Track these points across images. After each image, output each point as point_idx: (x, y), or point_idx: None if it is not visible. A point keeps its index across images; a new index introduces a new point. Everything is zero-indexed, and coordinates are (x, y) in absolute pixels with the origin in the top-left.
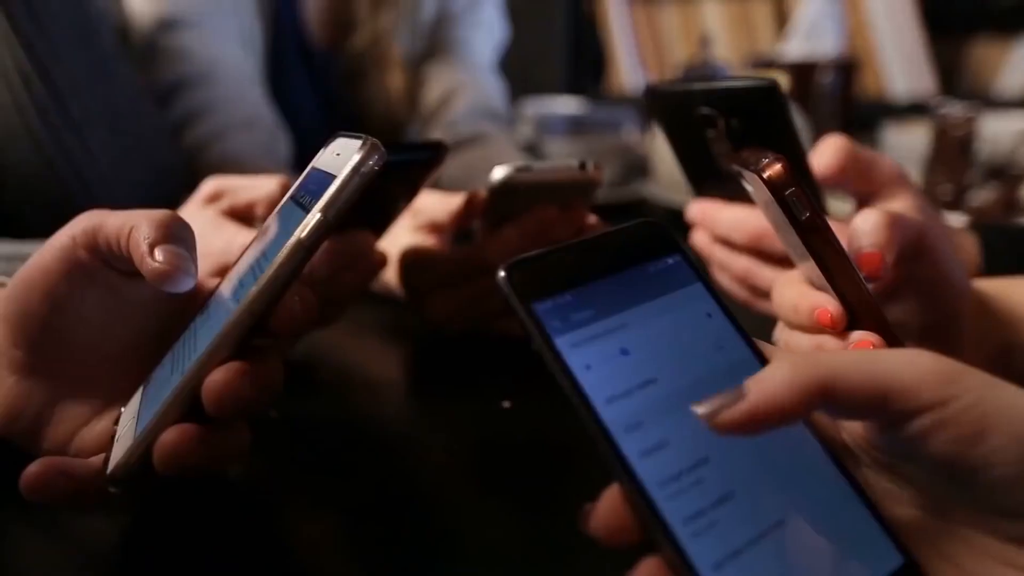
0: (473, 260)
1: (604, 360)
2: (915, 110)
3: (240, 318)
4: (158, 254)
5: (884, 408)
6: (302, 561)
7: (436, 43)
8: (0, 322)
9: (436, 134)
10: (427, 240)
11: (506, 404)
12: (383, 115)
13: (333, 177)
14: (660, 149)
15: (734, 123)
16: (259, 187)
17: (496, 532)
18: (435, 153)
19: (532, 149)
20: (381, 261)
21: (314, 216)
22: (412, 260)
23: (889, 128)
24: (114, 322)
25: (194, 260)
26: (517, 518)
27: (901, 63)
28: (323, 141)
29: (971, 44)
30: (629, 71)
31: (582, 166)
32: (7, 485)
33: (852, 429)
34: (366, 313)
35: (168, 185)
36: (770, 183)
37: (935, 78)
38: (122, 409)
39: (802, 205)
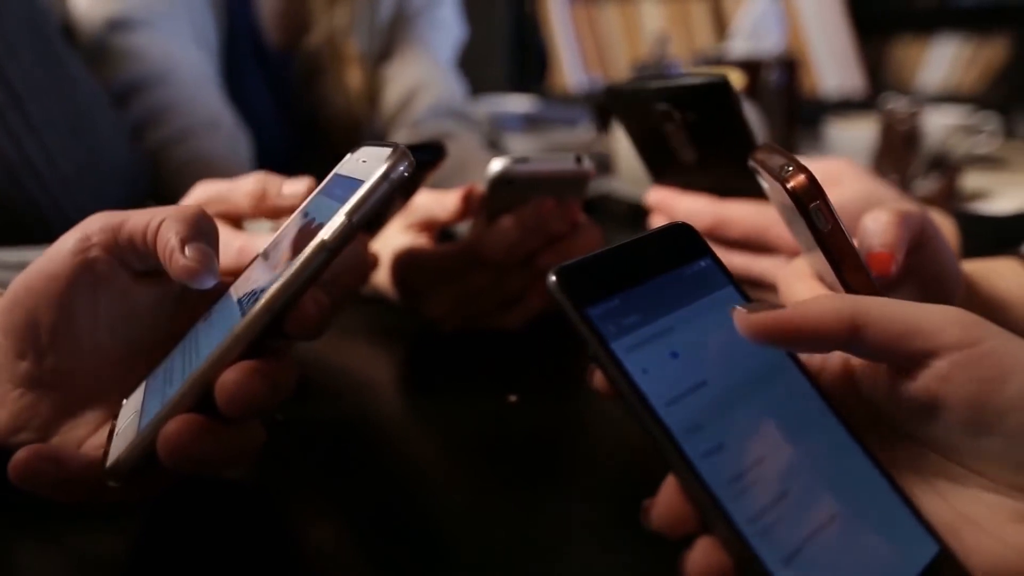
0: (469, 255)
1: (658, 363)
2: (846, 106)
3: (258, 317)
4: (188, 251)
5: (909, 345)
6: (306, 562)
7: (395, 43)
8: (1, 335)
9: (400, 134)
10: (419, 239)
11: (512, 399)
12: (342, 114)
13: (360, 182)
14: (621, 146)
15: (690, 117)
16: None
17: (502, 530)
18: (434, 155)
19: (494, 146)
20: (374, 262)
21: (339, 218)
22: (406, 259)
23: (831, 124)
24: (122, 325)
25: (217, 258)
26: (521, 516)
27: (832, 61)
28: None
29: (893, 44)
30: (572, 70)
31: (578, 159)
32: (9, 491)
33: (878, 388)
34: (358, 316)
35: (132, 189)
36: (794, 195)
37: (863, 76)
38: (124, 402)
39: (824, 217)
